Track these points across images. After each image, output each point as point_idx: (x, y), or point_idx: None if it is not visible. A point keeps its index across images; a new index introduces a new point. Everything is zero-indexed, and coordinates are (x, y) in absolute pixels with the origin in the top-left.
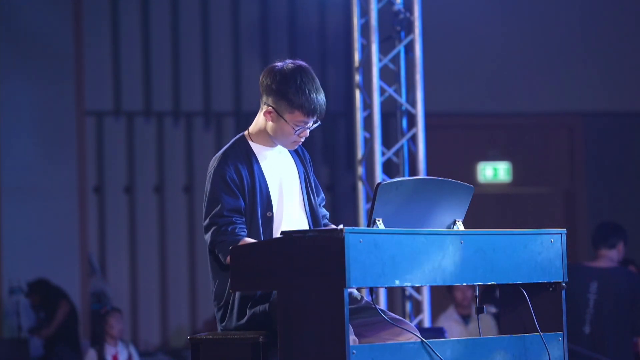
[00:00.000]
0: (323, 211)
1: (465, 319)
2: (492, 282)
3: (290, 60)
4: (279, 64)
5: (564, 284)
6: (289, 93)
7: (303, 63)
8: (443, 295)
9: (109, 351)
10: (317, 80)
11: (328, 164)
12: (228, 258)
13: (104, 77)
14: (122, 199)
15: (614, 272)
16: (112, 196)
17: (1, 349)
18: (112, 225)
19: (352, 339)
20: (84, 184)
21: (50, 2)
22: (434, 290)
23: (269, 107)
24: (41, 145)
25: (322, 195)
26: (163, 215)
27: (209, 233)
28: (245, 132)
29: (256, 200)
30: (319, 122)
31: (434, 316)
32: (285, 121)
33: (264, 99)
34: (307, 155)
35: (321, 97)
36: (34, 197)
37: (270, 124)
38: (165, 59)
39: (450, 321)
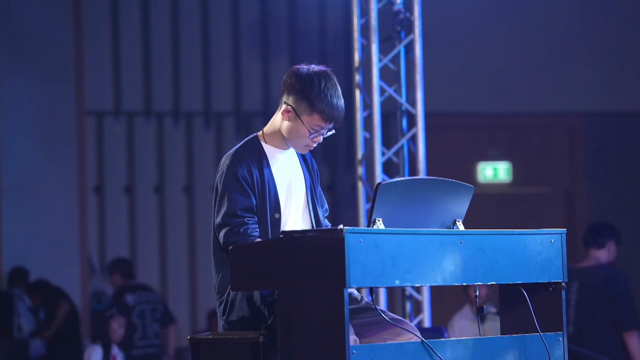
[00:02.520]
0: (326, 222)
1: (481, 317)
2: (492, 282)
3: (315, 65)
4: (304, 66)
5: (564, 284)
6: (311, 95)
7: (328, 69)
8: (457, 294)
9: (112, 351)
10: (339, 87)
11: (328, 164)
12: None
13: (104, 77)
14: (122, 199)
15: (594, 271)
16: (112, 196)
17: (1, 349)
18: (112, 225)
19: (353, 338)
20: (84, 184)
21: (50, 2)
22: (434, 290)
23: (288, 107)
24: (41, 145)
25: (326, 206)
26: (163, 215)
27: (222, 233)
28: (259, 132)
29: (265, 201)
30: (334, 131)
31: (450, 315)
32: (302, 123)
33: (284, 98)
34: (315, 166)
35: (341, 105)
36: (34, 197)
37: (286, 123)
38: (165, 59)
39: (465, 320)
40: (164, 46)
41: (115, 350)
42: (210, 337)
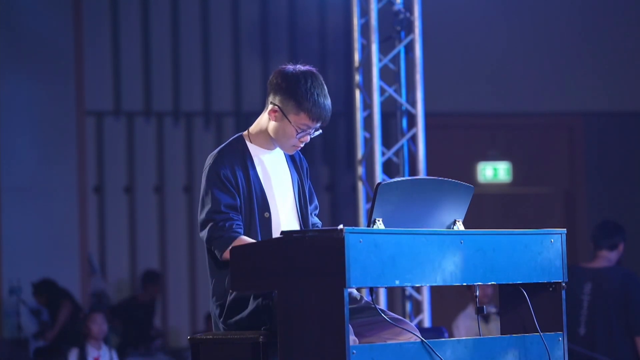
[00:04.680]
0: (315, 219)
1: (485, 317)
2: (492, 282)
3: (301, 65)
4: (290, 66)
5: (564, 284)
6: (297, 94)
7: (314, 68)
8: (461, 293)
9: (92, 353)
10: (325, 86)
11: (328, 164)
12: (224, 254)
13: (104, 77)
14: (122, 199)
15: (608, 272)
16: (112, 196)
17: (1, 349)
18: (112, 225)
19: (352, 339)
20: (84, 184)
21: (51, 2)
22: (433, 290)
23: (275, 106)
24: (41, 145)
25: (316, 203)
26: (163, 215)
27: (206, 229)
28: (245, 132)
29: (252, 201)
30: (320, 131)
31: (450, 315)
32: (290, 122)
33: (271, 98)
34: (304, 164)
35: (328, 104)
36: (34, 197)
37: (272, 123)
38: (165, 59)
39: (471, 320)
40: (164, 46)
41: (103, 350)
42: (210, 337)
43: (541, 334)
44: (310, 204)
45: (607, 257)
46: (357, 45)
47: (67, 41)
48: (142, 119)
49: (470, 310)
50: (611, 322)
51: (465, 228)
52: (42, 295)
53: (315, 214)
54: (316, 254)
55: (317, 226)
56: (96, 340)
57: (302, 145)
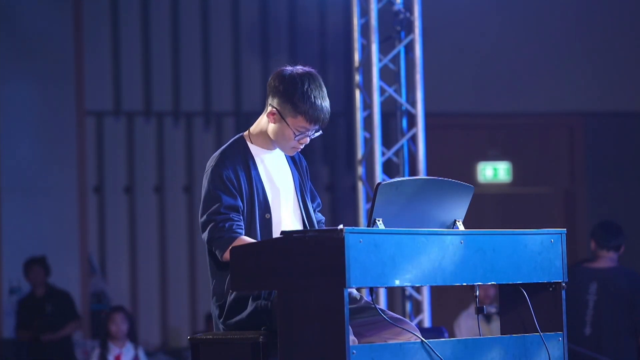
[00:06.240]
0: (319, 216)
1: (487, 317)
2: (492, 282)
3: (301, 66)
4: (289, 68)
5: (564, 284)
6: (294, 97)
7: (313, 70)
8: (462, 293)
9: (113, 351)
10: (324, 88)
11: (328, 164)
12: (224, 255)
13: (104, 77)
14: (122, 199)
15: (614, 273)
16: (112, 196)
17: (1, 349)
18: (112, 225)
19: (352, 339)
20: (84, 184)
21: (51, 3)
22: (433, 290)
23: (273, 109)
24: (41, 145)
25: (319, 200)
26: (163, 215)
27: (207, 230)
28: (245, 133)
29: (254, 202)
30: (320, 132)
31: (450, 315)
32: (287, 125)
33: (270, 100)
34: (304, 163)
35: (326, 106)
36: (34, 197)
37: (272, 125)
38: (165, 59)
39: (472, 319)
40: (164, 46)
41: (127, 347)
42: (210, 337)
43: (541, 334)
44: (313, 202)
45: (611, 258)
46: (357, 45)
47: (67, 41)
48: (142, 119)
49: (472, 310)
50: (617, 322)
51: (465, 228)
52: (40, 273)
53: (318, 211)
54: (316, 254)
55: (322, 222)
56: (116, 339)
57: (301, 147)
